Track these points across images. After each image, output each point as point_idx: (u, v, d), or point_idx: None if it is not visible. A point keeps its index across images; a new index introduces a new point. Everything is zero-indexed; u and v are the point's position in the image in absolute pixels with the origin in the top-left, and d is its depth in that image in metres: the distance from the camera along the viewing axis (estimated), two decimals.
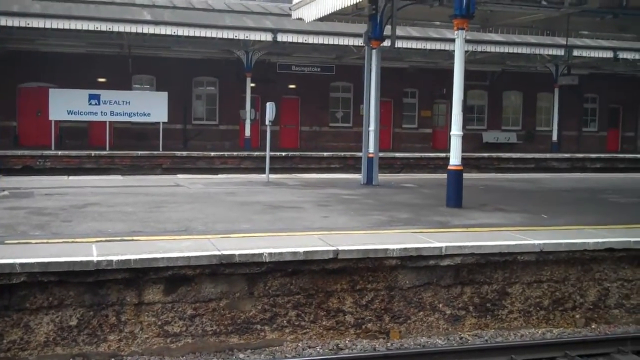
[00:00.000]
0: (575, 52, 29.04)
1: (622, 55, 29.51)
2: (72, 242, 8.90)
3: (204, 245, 8.85)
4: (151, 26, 25.54)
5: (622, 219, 12.12)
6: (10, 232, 9.52)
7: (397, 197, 15.04)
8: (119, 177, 17.94)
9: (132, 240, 9.12)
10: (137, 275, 8.11)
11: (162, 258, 8.20)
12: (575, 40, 28.77)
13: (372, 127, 17.96)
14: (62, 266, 7.81)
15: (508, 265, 9.57)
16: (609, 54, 29.61)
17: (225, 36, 26.70)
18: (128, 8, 27.03)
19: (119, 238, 9.19)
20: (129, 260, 8.05)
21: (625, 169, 31.38)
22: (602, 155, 34.95)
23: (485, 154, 32.56)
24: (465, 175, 13.80)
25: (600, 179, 20.92)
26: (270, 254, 8.62)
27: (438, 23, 26.58)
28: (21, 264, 7.70)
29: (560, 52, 28.47)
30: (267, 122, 18.03)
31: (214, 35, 26.53)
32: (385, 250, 9.13)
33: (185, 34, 26.14)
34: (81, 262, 7.88)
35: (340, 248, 8.93)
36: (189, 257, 8.29)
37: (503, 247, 9.54)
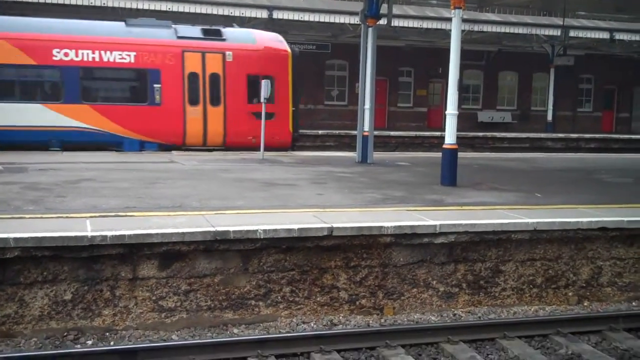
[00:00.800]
0: (572, 33, 28.98)
1: (619, 36, 29.43)
2: (67, 217, 8.89)
3: (198, 221, 8.85)
4: (147, 2, 25.41)
5: (615, 198, 12.16)
6: (4, 207, 9.50)
7: (392, 175, 15.05)
8: (115, 153, 17.87)
9: (127, 216, 9.12)
10: (131, 251, 8.11)
11: (157, 234, 8.20)
12: (572, 20, 28.76)
13: (367, 106, 17.94)
14: (56, 241, 7.81)
15: (502, 244, 9.61)
16: (605, 35, 29.52)
17: (221, 13, 26.57)
18: None
19: (113, 214, 9.18)
20: (123, 236, 8.05)
21: (620, 150, 31.44)
22: (597, 135, 34.99)
23: (480, 134, 32.56)
24: (460, 154, 13.81)
25: (594, 159, 20.96)
26: (264, 230, 8.62)
27: (435, 2, 26.59)
28: (15, 239, 7.69)
29: (557, 32, 28.43)
30: (262, 100, 17.99)
31: (210, 11, 26.41)
32: (380, 227, 9.14)
33: (181, 9, 26.01)
34: (75, 237, 7.87)
35: (334, 225, 8.94)
36: (183, 233, 8.29)
37: (497, 225, 9.56)
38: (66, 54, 18.93)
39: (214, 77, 20.38)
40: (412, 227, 9.26)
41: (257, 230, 8.61)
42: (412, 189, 12.69)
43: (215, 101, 20.45)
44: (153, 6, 25.30)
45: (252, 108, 20.22)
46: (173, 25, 20.71)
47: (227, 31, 21.17)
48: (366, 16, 18.13)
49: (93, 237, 7.91)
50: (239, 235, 8.52)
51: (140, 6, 25.21)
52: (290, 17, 26.95)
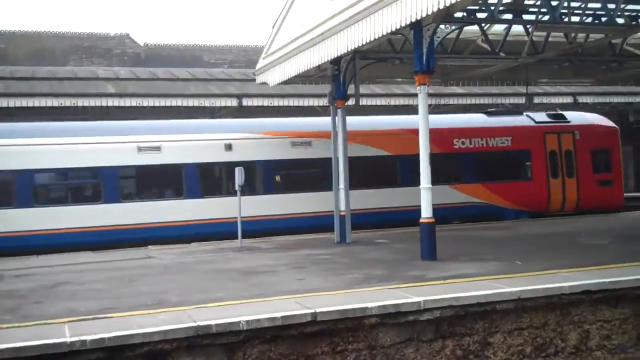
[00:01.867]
0: (536, 100, 29.62)
1: (582, 99, 30.15)
2: (44, 324, 8.69)
3: (179, 317, 8.70)
4: (115, 99, 25.56)
5: (595, 260, 12.19)
6: None
7: (371, 254, 15.01)
8: (89, 252, 17.64)
9: (106, 317, 8.94)
10: (112, 354, 7.91)
11: (137, 334, 8.03)
12: (535, 88, 29.42)
13: (342, 185, 18.02)
14: (35, 350, 7.60)
15: (487, 315, 9.53)
16: (569, 99, 30.22)
17: (190, 104, 26.80)
18: (91, 82, 27.09)
19: (91, 316, 8.99)
20: (103, 339, 7.86)
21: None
22: None
23: None
24: (438, 227, 13.82)
25: (570, 222, 21.09)
26: (247, 321, 8.50)
27: (400, 80, 27.11)
28: None
29: (522, 100, 29.02)
30: (237, 188, 17.99)
31: (179, 104, 26.61)
32: (364, 309, 9.05)
33: (150, 104, 26.19)
34: (54, 344, 7.68)
35: (318, 310, 8.83)
36: (165, 331, 8.13)
37: (481, 297, 9.52)
38: (463, 143, 23.02)
39: (568, 153, 24.02)
40: (396, 305, 9.18)
41: (239, 322, 8.47)
42: (393, 267, 12.64)
43: (569, 173, 23.89)
44: (122, 103, 25.46)
45: (597, 177, 24.02)
46: (525, 113, 24.85)
47: (568, 114, 25.10)
48: (334, 98, 18.43)
49: (72, 342, 7.73)
50: (222, 328, 8.37)
51: (108, 104, 25.37)
52: (259, 104, 27.26)
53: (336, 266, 13.21)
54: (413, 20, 12.74)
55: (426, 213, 13.59)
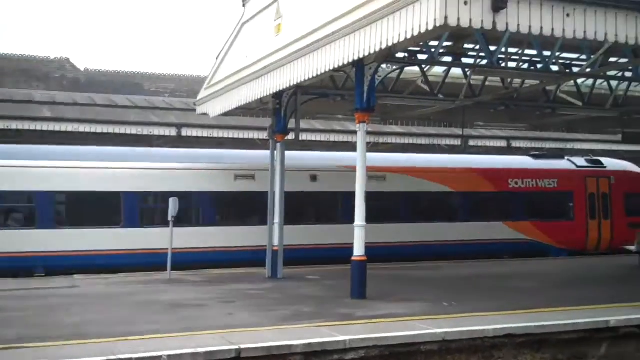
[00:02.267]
0: (472, 142, 30.20)
1: (515, 143, 30.90)
2: None
3: (100, 349, 8.47)
4: (52, 123, 25.06)
5: (521, 304, 12.35)
6: None
7: (302, 290, 14.92)
8: (9, 279, 17.03)
9: (22, 347, 8.63)
10: None
11: None
12: (471, 130, 30.03)
13: (277, 220, 17.93)
14: None
15: (412, 356, 9.54)
16: (503, 143, 30.92)
17: (129, 132, 26.42)
18: (27, 105, 26.53)
19: (6, 346, 8.67)
20: None
21: None
22: None
23: None
24: (373, 265, 13.83)
25: (501, 264, 21.41)
26: (169, 356, 8.32)
27: (341, 116, 27.35)
28: None
29: (458, 142, 29.56)
30: (169, 218, 17.71)
31: (117, 131, 26.23)
32: (289, 346, 8.98)
33: (88, 130, 25.76)
34: None
35: (242, 346, 8.72)
36: None
37: (406, 337, 9.55)
38: (516, 183, 24.39)
39: (604, 196, 25.50)
40: (321, 344, 9.14)
41: (161, 357, 8.29)
42: (322, 304, 12.58)
43: (605, 215, 25.31)
44: (59, 127, 24.97)
45: (629, 220, 24.89)
46: (566, 157, 26.46)
47: (604, 160, 26.84)
48: (274, 132, 18.41)
49: None
50: None
51: (44, 128, 24.83)
52: (199, 134, 27.08)
53: (266, 302, 13.09)
54: (356, 58, 12.91)
55: (358, 251, 13.58)
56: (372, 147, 26.59)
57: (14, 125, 24.56)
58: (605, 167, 26.25)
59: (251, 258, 19.62)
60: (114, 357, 8.08)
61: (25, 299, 13.56)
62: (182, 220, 18.80)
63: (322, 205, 22.28)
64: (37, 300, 13.27)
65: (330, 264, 19.11)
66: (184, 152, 22.82)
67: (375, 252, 17.60)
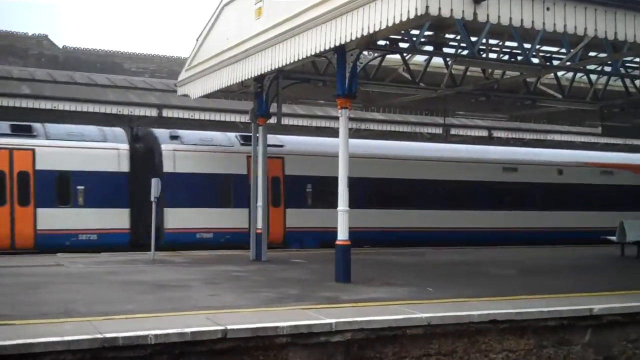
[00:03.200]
0: (453, 131, 30.36)
1: (497, 134, 31.10)
2: None
3: (84, 328, 8.41)
4: (30, 100, 24.76)
5: (503, 290, 12.50)
6: None
7: (286, 273, 14.96)
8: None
9: (7, 324, 8.56)
10: None
11: (39, 343, 7.70)
12: (452, 119, 30.17)
13: (259, 203, 17.94)
14: None
15: (397, 340, 9.60)
16: (484, 133, 31.11)
17: (108, 111, 26.17)
18: (6, 82, 26.13)
19: None
20: (3, 346, 7.51)
21: None
22: None
23: None
24: (353, 250, 13.90)
25: (480, 253, 21.61)
26: (155, 335, 8.28)
27: (323, 101, 27.33)
28: None
29: (439, 130, 29.69)
30: (152, 199, 17.63)
31: (96, 110, 25.94)
32: (275, 328, 8.98)
33: (67, 108, 25.47)
34: None
35: (229, 327, 8.70)
36: (68, 342, 7.83)
37: (392, 321, 9.59)
38: None
39: None
40: (308, 326, 9.15)
41: (147, 336, 8.25)
42: (307, 287, 12.62)
43: None
44: (37, 105, 24.66)
45: None
46: None
47: None
48: (256, 115, 18.39)
49: None
50: (129, 341, 8.13)
51: (22, 105, 24.52)
52: (180, 116, 26.89)
53: (250, 284, 13.10)
54: (337, 44, 12.92)
55: (342, 235, 13.64)
56: (354, 134, 26.64)
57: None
58: None
59: None
60: (101, 336, 8.03)
61: (7, 276, 13.46)
62: None
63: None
64: (21, 278, 13.19)
65: None
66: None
67: None
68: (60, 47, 38.49)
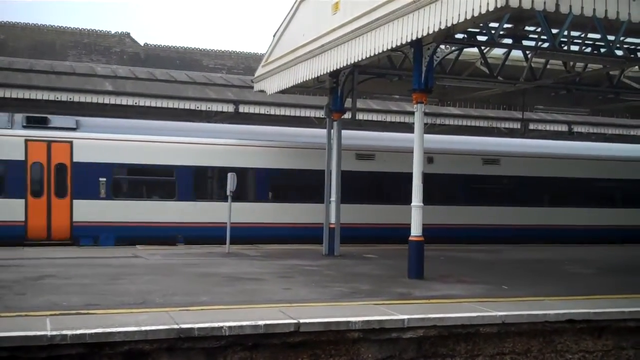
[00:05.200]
0: (531, 126, 29.67)
1: (577, 129, 30.25)
2: (26, 315, 8.62)
3: (161, 318, 8.64)
4: (112, 97, 25.49)
5: (580, 290, 12.19)
6: None
7: (359, 268, 14.98)
8: (76, 248, 17.56)
9: (88, 313, 8.88)
10: (92, 350, 7.85)
11: (118, 332, 7.97)
12: (531, 114, 29.48)
13: (333, 198, 18.01)
14: (14, 341, 7.54)
15: (471, 338, 9.51)
16: (564, 128, 30.30)
17: (187, 107, 26.74)
18: (89, 79, 26.99)
19: (74, 311, 8.93)
20: (84, 335, 7.80)
21: None
22: None
23: None
24: (427, 246, 13.80)
25: (557, 250, 21.12)
26: (230, 327, 8.45)
27: (398, 96, 27.14)
28: None
29: (517, 125, 29.07)
30: (228, 193, 17.96)
31: (175, 106, 26.56)
32: (348, 322, 9.02)
33: (147, 104, 26.13)
34: (34, 336, 7.62)
35: (301, 321, 8.79)
36: (146, 331, 8.08)
37: (465, 319, 9.50)
38: None
39: None
40: (380, 321, 9.15)
41: (222, 327, 8.42)
42: (380, 282, 12.62)
43: None
44: (119, 101, 25.38)
45: None
46: None
47: None
48: (331, 110, 18.45)
49: (53, 336, 7.66)
50: (204, 332, 8.32)
51: (105, 101, 25.28)
52: (256, 111, 27.22)
53: (323, 278, 13.18)
54: (414, 38, 12.79)
55: (416, 231, 13.57)
56: (429, 129, 26.41)
57: (77, 97, 25.04)
58: None
59: None
60: (177, 327, 8.24)
61: (90, 267, 13.94)
62: None
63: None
64: (101, 269, 13.63)
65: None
66: None
67: None
68: (142, 44, 39.50)
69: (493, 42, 16.54)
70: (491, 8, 10.57)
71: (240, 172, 19.79)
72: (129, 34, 39.45)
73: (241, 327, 8.50)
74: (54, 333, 7.69)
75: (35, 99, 24.60)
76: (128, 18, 78.49)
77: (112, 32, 39.11)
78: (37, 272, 12.87)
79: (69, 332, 7.75)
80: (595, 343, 10.08)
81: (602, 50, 16.58)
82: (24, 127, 19.74)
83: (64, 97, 24.86)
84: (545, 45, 16.97)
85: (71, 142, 19.79)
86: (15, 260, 14.61)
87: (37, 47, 35.98)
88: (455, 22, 11.56)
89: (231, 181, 17.91)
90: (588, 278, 14.51)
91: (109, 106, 25.53)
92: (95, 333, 7.87)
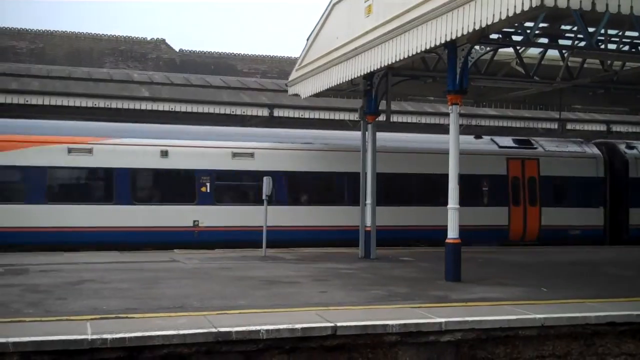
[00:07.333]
0: (569, 126, 29.29)
1: (615, 128, 29.81)
2: (67, 319, 8.76)
3: (199, 322, 8.71)
4: (149, 103, 25.76)
5: (622, 292, 12.00)
6: (3, 310, 9.37)
7: (395, 271, 14.93)
8: (116, 252, 17.78)
9: (127, 317, 8.98)
10: (132, 354, 7.94)
11: (158, 336, 8.05)
12: (568, 114, 29.12)
13: (369, 201, 17.97)
14: (56, 345, 7.65)
15: (510, 341, 9.41)
16: (602, 127, 29.87)
17: (222, 112, 26.90)
18: (126, 85, 27.34)
19: (113, 315, 9.05)
20: (123, 339, 7.90)
21: None
22: None
23: None
24: (463, 248, 13.71)
25: (596, 252, 20.82)
26: (267, 330, 8.48)
27: (432, 98, 27.03)
28: (14, 343, 7.54)
29: (554, 125, 28.74)
30: (264, 197, 18.04)
31: (211, 111, 26.73)
32: (385, 326, 8.99)
33: (183, 110, 26.36)
34: (75, 340, 7.73)
35: (338, 324, 8.79)
36: (184, 335, 8.15)
37: (504, 322, 9.41)
38: None
39: None
40: (417, 325, 9.11)
41: (259, 331, 8.46)
42: (416, 285, 12.56)
43: None
44: (155, 107, 25.66)
45: None
46: None
47: None
48: (365, 113, 18.44)
49: (93, 340, 7.77)
50: (241, 336, 8.36)
51: (142, 107, 25.58)
52: (291, 115, 27.31)
53: (359, 281, 13.16)
54: (448, 39, 12.72)
55: (452, 233, 13.49)
56: (465, 130, 26.23)
57: (114, 104, 25.38)
58: None
59: None
60: (215, 330, 8.29)
61: (129, 271, 14.09)
62: None
63: None
64: (140, 273, 13.77)
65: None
66: None
67: None
68: (177, 50, 39.90)
69: (528, 42, 16.40)
70: (526, 8, 10.46)
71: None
72: (164, 40, 39.91)
73: (278, 330, 8.52)
74: (95, 337, 7.79)
75: (74, 106, 24.99)
76: (163, 25, 79.36)
77: (148, 38, 39.59)
78: (76, 277, 13.05)
79: (109, 336, 7.85)
80: (637, 346, 9.90)
81: None
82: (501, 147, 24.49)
83: (101, 103, 25.22)
84: (582, 44, 16.76)
85: (537, 159, 24.35)
86: (55, 266, 14.83)
87: (74, 55, 36.57)
88: (489, 22, 11.46)
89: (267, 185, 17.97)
90: (629, 280, 14.26)
91: (146, 112, 25.83)
92: (135, 337, 7.96)
